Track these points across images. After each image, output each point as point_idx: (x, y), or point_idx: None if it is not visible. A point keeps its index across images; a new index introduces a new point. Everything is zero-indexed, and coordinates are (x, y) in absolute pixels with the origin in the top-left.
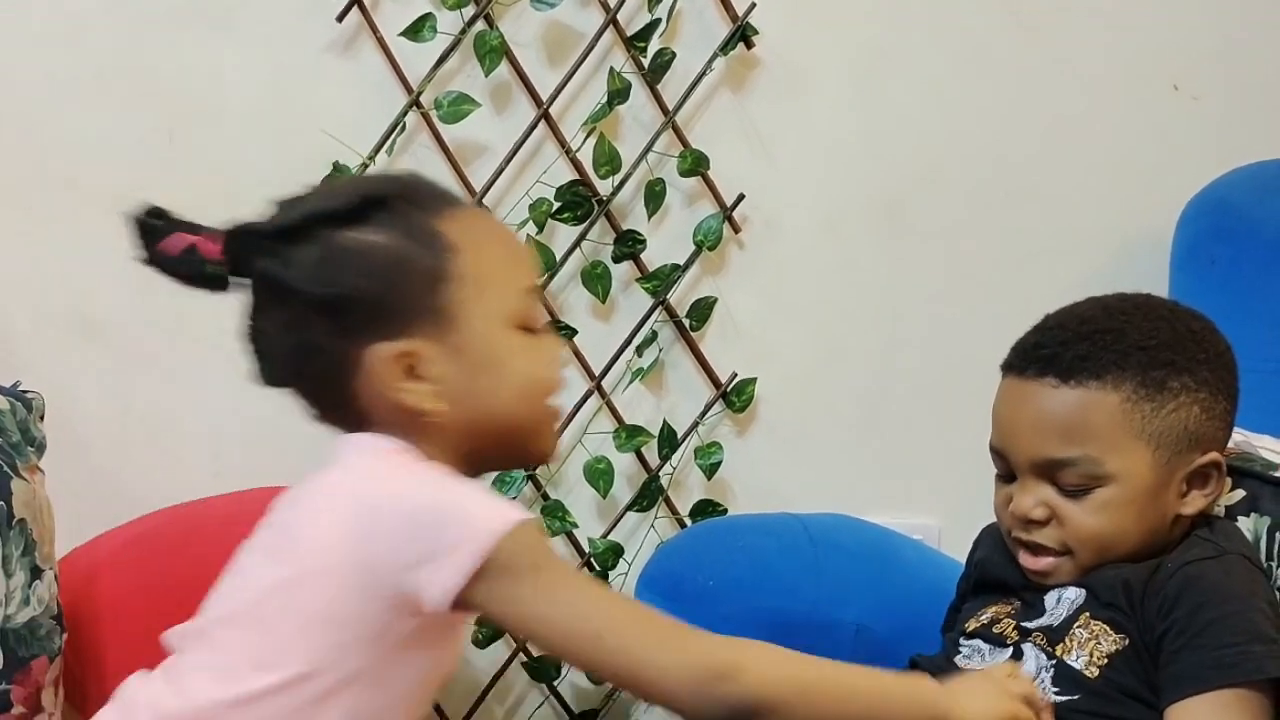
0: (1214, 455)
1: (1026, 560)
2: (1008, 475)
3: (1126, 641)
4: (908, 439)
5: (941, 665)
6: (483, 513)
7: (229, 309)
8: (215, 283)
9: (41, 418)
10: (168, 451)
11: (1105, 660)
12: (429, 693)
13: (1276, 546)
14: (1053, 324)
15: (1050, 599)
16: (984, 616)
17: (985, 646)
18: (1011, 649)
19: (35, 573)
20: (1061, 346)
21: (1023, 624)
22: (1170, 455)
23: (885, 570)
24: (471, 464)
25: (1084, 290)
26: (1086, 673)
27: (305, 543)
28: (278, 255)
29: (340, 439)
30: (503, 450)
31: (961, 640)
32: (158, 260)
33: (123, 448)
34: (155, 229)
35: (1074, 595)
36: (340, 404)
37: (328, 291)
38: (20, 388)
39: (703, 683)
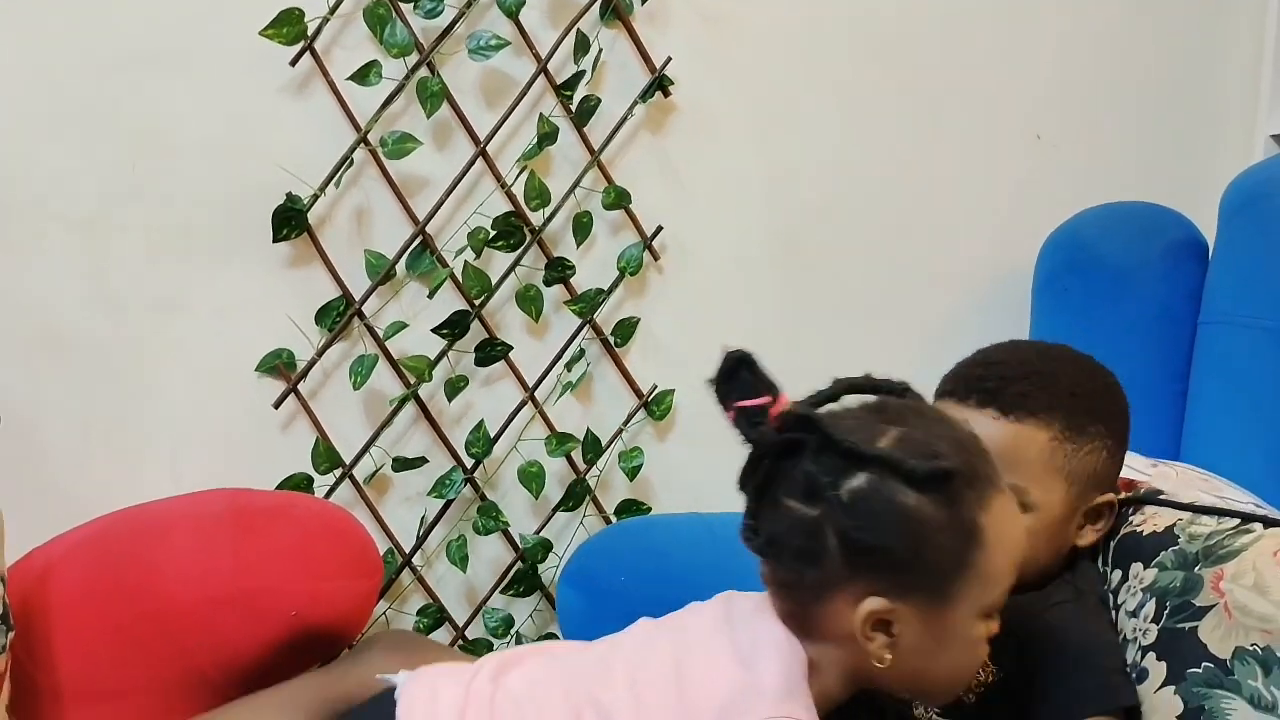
0: (1110, 496)
1: None
2: None
3: (1001, 675)
4: None
5: None
6: None
7: (192, 336)
8: (758, 440)
9: None
10: (128, 459)
11: (981, 689)
12: None
13: (1110, 553)
14: (994, 360)
15: None
16: None
17: None
18: None
19: None
20: (1003, 382)
21: None
22: (1079, 493)
23: None
24: (859, 686)
25: (959, 315)
26: (965, 699)
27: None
28: (827, 467)
29: (765, 617)
30: (905, 691)
31: None
32: (731, 404)
33: (84, 456)
34: (743, 381)
35: None
36: (803, 602)
37: (855, 530)
38: None
39: None
